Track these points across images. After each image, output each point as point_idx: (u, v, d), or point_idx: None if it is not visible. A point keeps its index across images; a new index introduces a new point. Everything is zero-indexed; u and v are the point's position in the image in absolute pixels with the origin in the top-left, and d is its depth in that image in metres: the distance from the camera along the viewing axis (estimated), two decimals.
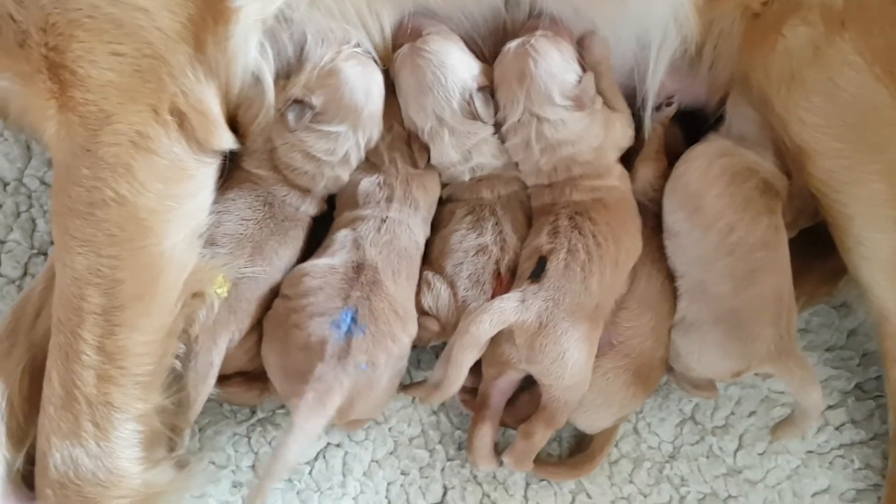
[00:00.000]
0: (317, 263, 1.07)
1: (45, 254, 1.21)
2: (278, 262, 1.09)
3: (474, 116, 1.11)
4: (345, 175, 1.12)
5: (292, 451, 0.97)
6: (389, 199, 1.11)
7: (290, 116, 1.07)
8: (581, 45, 1.15)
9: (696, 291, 1.09)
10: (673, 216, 1.12)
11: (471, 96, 1.10)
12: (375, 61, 1.12)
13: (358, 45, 1.10)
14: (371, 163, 1.14)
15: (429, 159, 1.14)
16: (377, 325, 1.02)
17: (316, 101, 1.08)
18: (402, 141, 1.15)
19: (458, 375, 1.04)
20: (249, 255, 1.06)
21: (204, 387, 1.01)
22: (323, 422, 0.99)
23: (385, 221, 1.10)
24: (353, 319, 1.02)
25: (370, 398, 1.03)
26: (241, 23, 0.99)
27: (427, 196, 1.14)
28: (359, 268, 1.06)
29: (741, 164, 1.10)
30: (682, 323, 1.10)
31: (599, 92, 1.14)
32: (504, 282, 1.10)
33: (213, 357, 1.02)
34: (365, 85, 1.09)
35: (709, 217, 1.09)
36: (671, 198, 1.13)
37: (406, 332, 1.06)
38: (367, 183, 1.12)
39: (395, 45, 1.13)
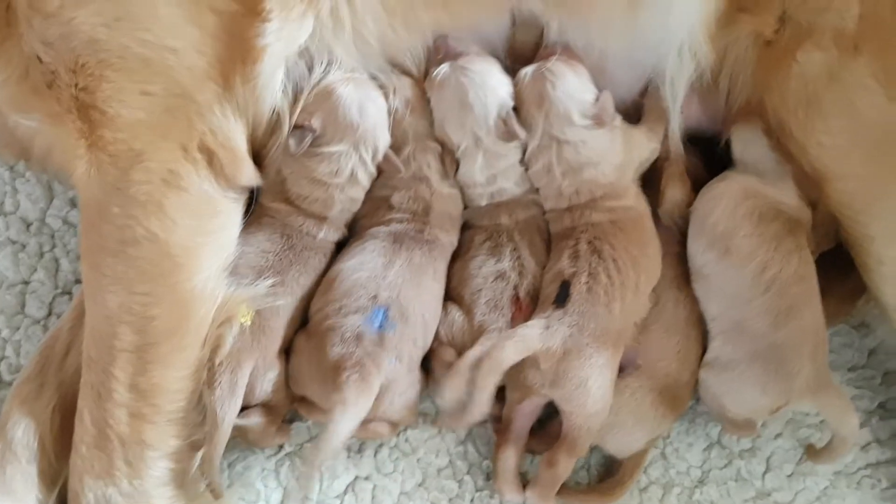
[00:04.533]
0: (346, 265, 1.09)
1: (70, 293, 1.21)
2: (299, 291, 1.10)
3: (508, 136, 1.13)
4: (358, 194, 1.14)
5: (343, 429, 0.98)
6: (427, 211, 1.14)
7: (292, 142, 1.09)
8: None
9: (733, 331, 1.09)
10: (702, 258, 1.12)
11: (507, 114, 1.12)
12: (381, 86, 1.14)
13: (354, 71, 1.12)
14: (397, 179, 1.15)
15: (457, 169, 1.16)
16: (406, 325, 1.05)
17: (315, 123, 1.10)
18: (432, 155, 1.16)
19: (482, 401, 1.03)
20: (271, 285, 1.07)
21: (230, 406, 1.00)
22: (369, 401, 1.00)
23: (427, 225, 1.13)
24: (385, 316, 1.04)
25: (399, 392, 1.05)
26: (267, 61, 1.01)
27: (457, 209, 1.17)
28: (389, 266, 1.08)
29: (766, 203, 1.11)
30: (716, 364, 1.10)
31: (644, 106, 1.16)
32: (523, 306, 1.11)
33: (239, 378, 1.01)
34: (358, 101, 1.11)
35: (741, 257, 1.09)
36: (698, 239, 1.13)
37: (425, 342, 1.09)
38: (399, 196, 1.15)
39: (429, 65, 1.15)
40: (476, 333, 1.09)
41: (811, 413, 1.20)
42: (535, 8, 1.13)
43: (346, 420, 0.98)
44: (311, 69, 1.09)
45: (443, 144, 1.16)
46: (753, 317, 1.07)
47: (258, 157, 1.09)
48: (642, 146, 1.16)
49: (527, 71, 1.14)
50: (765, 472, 1.17)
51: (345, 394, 0.99)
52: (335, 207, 1.12)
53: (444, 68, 1.13)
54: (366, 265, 1.08)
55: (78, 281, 1.21)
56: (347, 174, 1.11)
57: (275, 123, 1.08)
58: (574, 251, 1.10)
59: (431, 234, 1.13)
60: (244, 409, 1.05)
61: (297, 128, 1.10)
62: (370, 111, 1.12)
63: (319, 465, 1.00)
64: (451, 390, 1.06)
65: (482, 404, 1.04)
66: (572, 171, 1.12)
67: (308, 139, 1.09)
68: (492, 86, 1.12)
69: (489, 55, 1.16)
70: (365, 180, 1.14)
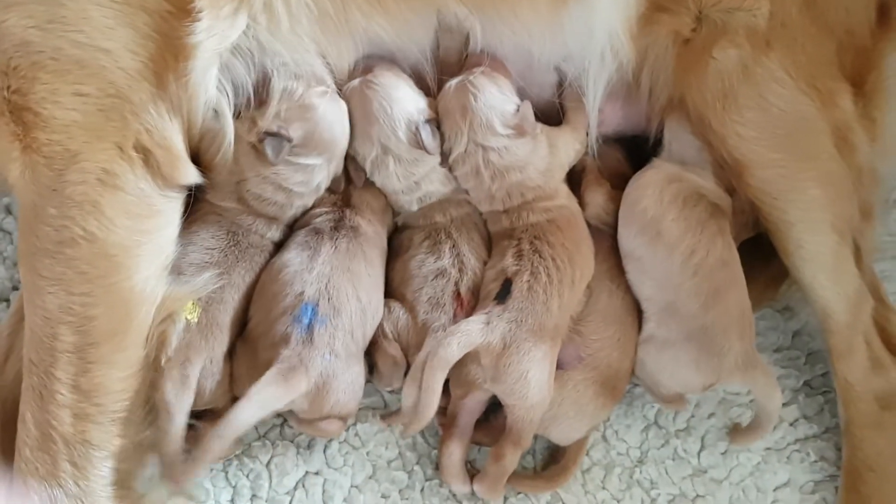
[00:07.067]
0: (273, 267, 1.10)
1: (7, 300, 1.20)
2: (245, 288, 1.10)
3: (420, 146, 1.15)
4: (311, 202, 1.16)
5: (239, 418, 0.99)
6: (346, 201, 1.16)
7: (269, 150, 1.09)
8: None
9: (666, 313, 1.13)
10: (633, 242, 1.17)
11: (417, 128, 1.14)
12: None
13: (328, 84, 1.14)
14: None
15: (366, 178, 1.18)
16: (339, 318, 1.06)
17: (294, 133, 1.10)
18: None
19: (432, 400, 1.06)
20: (217, 281, 1.07)
21: (183, 397, 1.00)
22: (278, 397, 1.00)
23: (346, 214, 1.15)
24: (314, 312, 1.04)
25: (339, 388, 1.05)
26: (199, 58, 1.01)
27: (378, 201, 1.19)
28: (315, 257, 1.09)
29: (689, 188, 1.16)
30: (653, 342, 1.14)
31: (563, 107, 1.20)
32: (465, 301, 1.13)
33: (190, 371, 1.01)
34: (341, 120, 1.13)
35: (670, 240, 1.14)
36: (629, 225, 1.18)
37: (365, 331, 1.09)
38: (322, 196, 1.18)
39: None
40: (420, 331, 1.11)
41: (742, 393, 1.25)
42: (459, 12, 1.15)
43: (244, 406, 0.99)
44: (264, 73, 1.10)
45: (348, 157, 1.17)
46: (684, 299, 1.12)
47: (198, 155, 1.09)
48: (568, 147, 1.21)
49: (451, 83, 1.17)
50: (700, 451, 1.22)
51: (254, 385, 0.99)
52: (290, 212, 1.14)
53: (353, 83, 1.15)
54: (292, 262, 1.09)
55: (15, 288, 1.20)
56: (314, 185, 1.14)
57: (217, 123, 1.08)
58: (518, 250, 1.13)
59: (353, 222, 1.14)
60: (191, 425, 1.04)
61: (271, 135, 1.10)
62: (347, 131, 1.14)
63: (214, 449, 0.99)
64: (408, 398, 1.08)
65: (432, 404, 1.06)
66: (500, 175, 1.16)
67: (286, 149, 1.10)
68: (397, 97, 1.14)
69: (402, 73, 1.17)
70: (323, 191, 1.16)
